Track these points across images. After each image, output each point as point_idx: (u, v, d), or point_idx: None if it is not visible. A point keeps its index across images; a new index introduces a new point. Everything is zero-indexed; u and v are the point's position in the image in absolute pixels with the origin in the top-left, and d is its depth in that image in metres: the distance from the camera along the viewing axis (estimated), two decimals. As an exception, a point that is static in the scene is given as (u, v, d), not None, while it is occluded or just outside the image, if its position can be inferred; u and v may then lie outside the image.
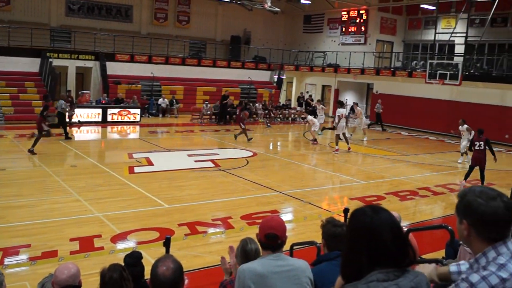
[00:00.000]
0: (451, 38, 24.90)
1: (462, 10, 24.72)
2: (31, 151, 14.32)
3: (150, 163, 14.36)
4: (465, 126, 16.66)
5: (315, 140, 19.60)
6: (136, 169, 13.31)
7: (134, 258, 4.38)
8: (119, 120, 22.81)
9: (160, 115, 25.93)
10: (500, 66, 23.74)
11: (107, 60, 26.16)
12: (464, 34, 23.63)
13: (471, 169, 13.07)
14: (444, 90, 24.36)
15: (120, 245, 7.75)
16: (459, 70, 22.49)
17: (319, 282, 3.22)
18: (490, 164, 13.21)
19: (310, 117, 20.64)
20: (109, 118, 22.55)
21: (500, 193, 1.99)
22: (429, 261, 5.56)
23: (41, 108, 15.94)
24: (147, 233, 8.27)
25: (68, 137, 17.34)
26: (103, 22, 29.23)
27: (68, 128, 18.01)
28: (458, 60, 23.88)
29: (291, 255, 5.34)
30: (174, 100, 26.43)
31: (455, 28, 25.01)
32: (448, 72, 22.87)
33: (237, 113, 20.88)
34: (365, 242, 1.82)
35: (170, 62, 28.33)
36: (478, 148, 12.75)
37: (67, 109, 18.24)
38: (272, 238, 3.17)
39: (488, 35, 26.08)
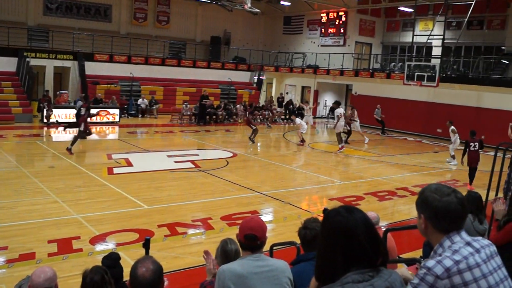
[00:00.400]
0: (429, 40, 25.23)
1: (439, 13, 25.05)
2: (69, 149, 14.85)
3: (129, 164, 14.26)
4: (451, 128, 16.91)
5: (303, 141, 19.68)
6: (115, 170, 13.20)
7: (111, 260, 4.37)
8: (98, 120, 22.59)
9: (140, 116, 25.75)
10: (476, 68, 24.17)
11: (86, 60, 25.85)
12: (441, 37, 23.93)
13: (470, 169, 13.56)
14: (421, 92, 24.69)
15: (99, 247, 7.68)
16: (436, 72, 22.79)
17: (298, 281, 3.25)
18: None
19: (298, 121, 20.59)
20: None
21: (454, 190, 2.14)
22: (407, 261, 5.64)
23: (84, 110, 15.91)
24: (126, 235, 8.21)
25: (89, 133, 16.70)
26: (81, 21, 28.88)
27: (47, 128, 17.70)
28: (435, 62, 24.19)
29: (271, 255, 5.36)
30: (154, 101, 26.28)
31: (432, 30, 25.33)
32: (425, 74, 23.18)
33: (247, 116, 21.22)
34: (340, 242, 1.85)
35: (149, 63, 28.15)
36: (473, 148, 13.42)
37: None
38: (251, 238, 3.19)
39: (465, 37, 26.54)
